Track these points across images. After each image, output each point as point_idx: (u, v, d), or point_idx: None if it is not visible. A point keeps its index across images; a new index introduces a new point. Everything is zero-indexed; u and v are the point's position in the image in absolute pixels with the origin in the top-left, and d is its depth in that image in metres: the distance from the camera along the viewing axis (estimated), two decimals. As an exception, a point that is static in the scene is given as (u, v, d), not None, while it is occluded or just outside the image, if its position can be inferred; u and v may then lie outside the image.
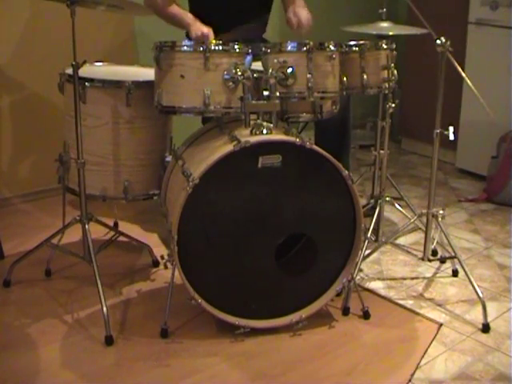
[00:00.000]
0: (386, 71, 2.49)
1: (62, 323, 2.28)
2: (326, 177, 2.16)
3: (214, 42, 2.17)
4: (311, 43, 2.19)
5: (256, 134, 2.12)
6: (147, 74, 2.43)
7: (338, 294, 2.36)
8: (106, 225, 2.60)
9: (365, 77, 2.45)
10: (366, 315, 2.34)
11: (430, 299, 2.50)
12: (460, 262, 2.46)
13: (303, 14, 2.77)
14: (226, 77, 2.15)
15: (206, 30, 2.57)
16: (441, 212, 2.47)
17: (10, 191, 3.31)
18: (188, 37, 2.78)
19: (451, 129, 2.32)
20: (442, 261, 2.75)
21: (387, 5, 2.81)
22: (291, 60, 2.19)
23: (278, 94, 2.17)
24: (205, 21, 2.65)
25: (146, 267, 2.69)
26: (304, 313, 2.25)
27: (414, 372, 2.05)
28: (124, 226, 2.99)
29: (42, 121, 3.31)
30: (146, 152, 2.42)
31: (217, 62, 2.14)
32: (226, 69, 2.15)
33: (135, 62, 3.19)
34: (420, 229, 2.81)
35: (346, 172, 2.14)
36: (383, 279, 2.65)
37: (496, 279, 2.67)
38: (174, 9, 2.72)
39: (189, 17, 2.67)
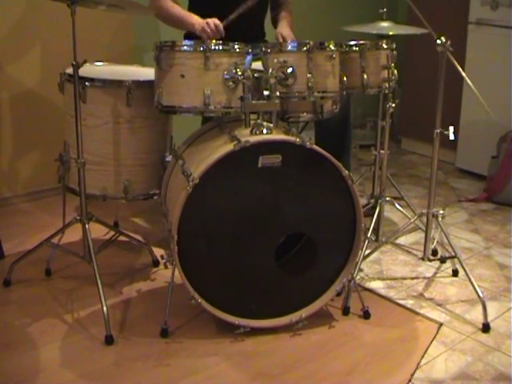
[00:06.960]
0: (386, 71, 2.50)
1: (62, 323, 2.28)
2: (327, 177, 2.15)
3: (214, 42, 2.17)
4: (311, 43, 2.19)
5: (256, 134, 2.12)
6: (147, 73, 2.43)
7: (338, 294, 2.36)
8: (106, 224, 2.60)
9: (365, 76, 2.45)
10: (366, 315, 2.34)
11: (430, 299, 2.50)
12: (460, 261, 2.46)
13: (286, 32, 2.81)
14: (226, 76, 2.15)
15: (217, 20, 2.54)
16: (441, 212, 2.47)
17: (10, 191, 3.31)
18: (186, 38, 2.78)
19: (451, 129, 2.32)
20: (442, 261, 2.74)
21: (387, 5, 2.81)
22: (291, 60, 2.19)
23: (278, 93, 2.17)
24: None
25: (146, 267, 2.68)
26: (304, 312, 2.25)
27: (414, 372, 2.05)
28: (124, 226, 3.00)
29: (42, 120, 3.30)
30: (146, 152, 2.42)
31: (217, 61, 2.14)
32: (226, 68, 2.15)
33: (135, 61, 3.19)
34: (420, 229, 2.81)
35: (347, 172, 2.14)
36: (383, 279, 2.65)
37: (496, 279, 2.67)
38: (178, 9, 2.73)
39: (193, 17, 2.67)
